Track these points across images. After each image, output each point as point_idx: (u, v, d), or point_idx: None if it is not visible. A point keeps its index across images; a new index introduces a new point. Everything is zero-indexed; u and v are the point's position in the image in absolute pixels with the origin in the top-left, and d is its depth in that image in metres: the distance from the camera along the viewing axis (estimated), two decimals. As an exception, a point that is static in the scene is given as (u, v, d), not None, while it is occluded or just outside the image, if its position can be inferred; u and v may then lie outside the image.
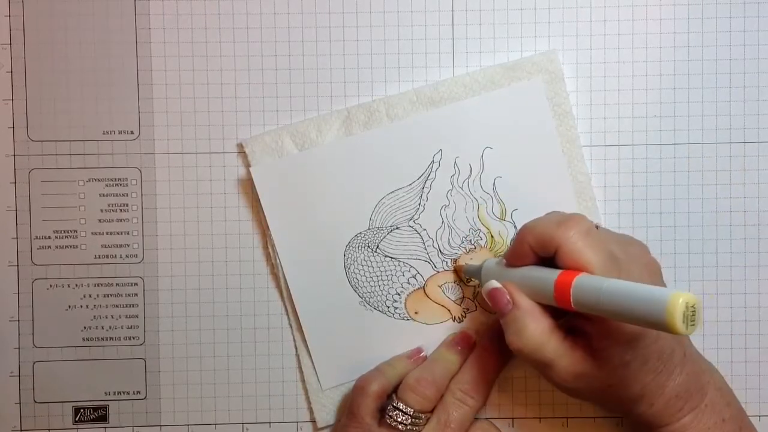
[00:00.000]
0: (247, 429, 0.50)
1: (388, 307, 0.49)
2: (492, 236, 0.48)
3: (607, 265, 0.38)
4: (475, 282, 0.49)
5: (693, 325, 0.32)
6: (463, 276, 0.48)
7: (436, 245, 0.48)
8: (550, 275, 0.39)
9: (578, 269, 0.38)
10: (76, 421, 0.49)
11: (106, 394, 0.49)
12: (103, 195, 0.49)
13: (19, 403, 0.49)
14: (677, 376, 0.40)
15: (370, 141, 0.48)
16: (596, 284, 0.36)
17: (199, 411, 0.50)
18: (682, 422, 0.41)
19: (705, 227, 0.49)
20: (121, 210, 0.49)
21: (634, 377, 0.39)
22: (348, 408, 0.46)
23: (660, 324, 0.32)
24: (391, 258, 0.49)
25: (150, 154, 0.49)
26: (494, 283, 0.42)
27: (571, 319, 0.40)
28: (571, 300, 0.37)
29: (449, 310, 0.49)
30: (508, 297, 0.41)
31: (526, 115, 0.48)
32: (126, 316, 0.49)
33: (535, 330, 0.39)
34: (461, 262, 0.48)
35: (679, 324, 0.32)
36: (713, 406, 0.41)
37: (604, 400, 0.41)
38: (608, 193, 0.49)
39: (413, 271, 0.49)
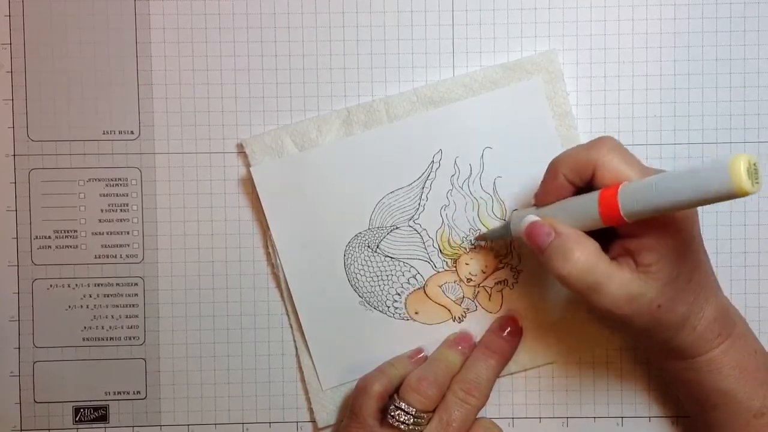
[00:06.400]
0: (247, 429, 0.50)
1: (388, 307, 0.49)
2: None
3: (643, 174, 0.38)
4: (475, 281, 0.49)
5: (758, 182, 0.32)
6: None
7: (436, 245, 0.48)
8: (590, 196, 0.39)
9: (617, 183, 0.38)
10: (76, 421, 0.49)
11: (106, 394, 0.49)
12: (103, 195, 0.49)
13: (19, 403, 0.49)
14: (714, 299, 0.41)
15: (370, 141, 0.48)
16: (646, 183, 0.36)
17: (199, 411, 0.50)
18: (720, 349, 0.41)
19: (705, 227, 0.49)
20: (121, 210, 0.49)
21: (680, 295, 0.39)
22: (350, 408, 0.46)
23: (727, 188, 0.32)
24: (391, 258, 0.49)
25: (150, 154, 0.49)
26: (532, 217, 0.42)
27: (611, 248, 0.40)
28: (620, 208, 0.37)
29: (449, 310, 0.49)
30: (549, 228, 0.40)
31: (526, 115, 0.48)
32: (126, 316, 0.49)
33: (582, 253, 0.38)
34: (468, 256, 0.48)
35: (746, 182, 0.31)
36: (745, 336, 0.42)
37: (650, 328, 0.40)
38: (608, 193, 0.49)
39: (413, 271, 0.49)
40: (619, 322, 0.40)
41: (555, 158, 0.41)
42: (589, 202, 0.39)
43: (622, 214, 0.37)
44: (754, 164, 0.32)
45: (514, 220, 0.44)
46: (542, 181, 0.42)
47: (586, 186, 0.40)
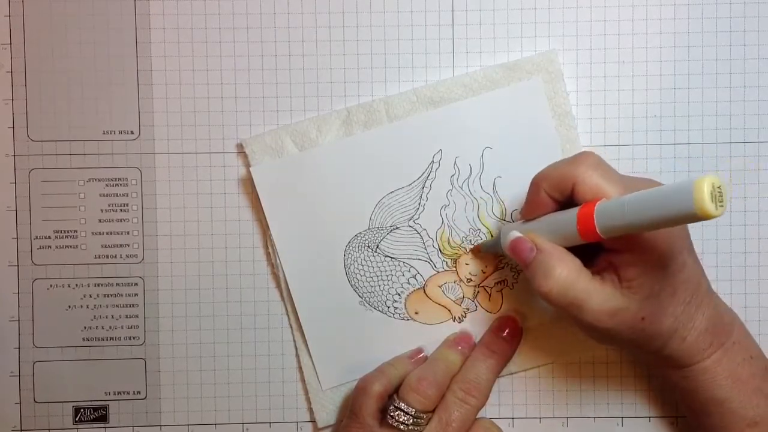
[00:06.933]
0: (247, 429, 0.50)
1: (388, 307, 0.49)
2: (492, 236, 0.48)
3: (623, 189, 0.38)
4: (475, 281, 0.49)
5: (722, 205, 0.32)
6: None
7: (436, 245, 0.48)
8: (570, 212, 0.39)
9: (596, 199, 0.38)
10: (76, 421, 0.49)
11: (106, 394, 0.49)
12: (103, 195, 0.49)
13: (19, 403, 0.49)
14: (705, 309, 0.41)
15: (370, 141, 0.48)
16: (619, 201, 0.36)
17: (199, 411, 0.50)
18: (712, 358, 0.41)
19: (705, 227, 0.49)
20: (121, 210, 0.49)
21: (665, 309, 0.39)
22: (350, 408, 0.46)
23: (689, 211, 0.32)
24: (391, 258, 0.49)
25: (150, 154, 0.49)
26: (515, 233, 0.42)
27: (597, 262, 0.40)
28: (596, 226, 0.37)
29: (449, 310, 0.49)
30: (531, 244, 0.41)
31: (526, 115, 0.48)
32: (126, 316, 0.49)
33: (563, 270, 0.39)
34: (468, 256, 0.48)
35: (708, 205, 0.31)
36: (740, 343, 0.42)
37: (637, 339, 0.40)
38: (608, 193, 0.49)
39: (413, 271, 0.49)
40: (605, 335, 0.40)
41: (537, 174, 0.42)
42: (569, 218, 0.39)
43: (598, 231, 0.37)
44: (719, 187, 0.31)
45: (503, 234, 0.44)
46: (526, 196, 0.42)
47: (567, 201, 0.40)
